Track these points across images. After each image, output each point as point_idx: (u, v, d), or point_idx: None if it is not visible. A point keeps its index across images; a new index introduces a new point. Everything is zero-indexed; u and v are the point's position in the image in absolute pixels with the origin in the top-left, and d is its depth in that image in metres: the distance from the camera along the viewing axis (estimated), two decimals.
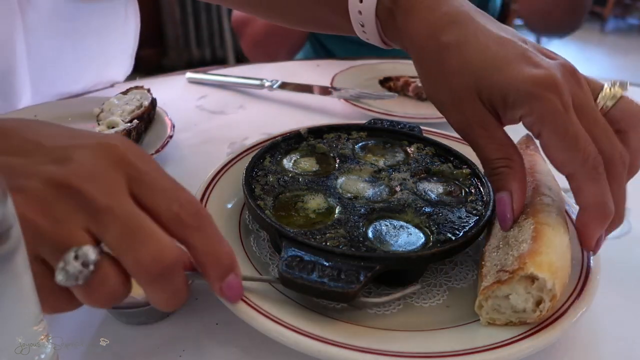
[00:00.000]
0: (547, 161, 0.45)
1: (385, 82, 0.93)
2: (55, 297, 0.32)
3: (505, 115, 0.44)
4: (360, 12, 0.50)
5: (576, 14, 1.06)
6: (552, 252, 0.40)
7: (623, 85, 0.44)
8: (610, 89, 0.44)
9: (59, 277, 0.31)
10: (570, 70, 0.44)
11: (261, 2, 0.61)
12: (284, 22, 0.62)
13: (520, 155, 0.45)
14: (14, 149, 0.33)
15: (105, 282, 0.31)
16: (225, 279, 0.36)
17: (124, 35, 0.88)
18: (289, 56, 1.28)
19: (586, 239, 0.43)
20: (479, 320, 0.41)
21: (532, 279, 0.38)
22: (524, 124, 0.44)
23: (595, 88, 0.45)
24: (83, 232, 0.31)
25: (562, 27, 1.06)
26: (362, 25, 0.52)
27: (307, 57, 1.34)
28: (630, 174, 0.44)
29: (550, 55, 0.45)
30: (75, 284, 0.31)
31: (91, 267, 0.31)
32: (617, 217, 0.43)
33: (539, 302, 0.38)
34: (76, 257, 0.30)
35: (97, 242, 0.31)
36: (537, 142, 0.44)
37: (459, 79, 0.45)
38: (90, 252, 0.31)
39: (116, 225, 0.31)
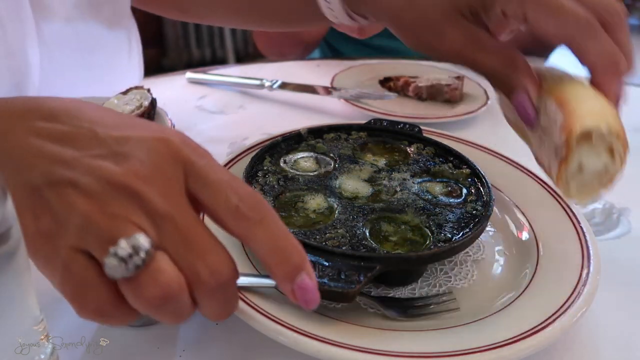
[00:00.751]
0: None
1: (385, 82, 0.93)
2: (100, 295, 0.30)
3: (489, 17, 0.44)
4: None
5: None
6: (582, 103, 0.39)
7: None
8: None
9: (108, 264, 0.28)
10: None
11: (234, 8, 0.62)
12: (259, 24, 0.63)
13: (522, 55, 0.45)
14: (66, 135, 0.32)
15: (158, 276, 0.29)
16: (296, 280, 0.32)
17: (129, 70, 0.87)
18: (303, 56, 1.28)
19: (608, 96, 0.42)
20: (479, 320, 0.41)
21: (586, 136, 0.37)
22: (508, 16, 0.43)
23: None
24: (138, 228, 0.29)
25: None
26: (328, 2, 0.52)
27: (313, 58, 1.34)
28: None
29: None
30: (124, 274, 0.29)
31: (142, 255, 0.28)
32: (629, 65, 0.42)
33: (611, 150, 0.38)
34: (127, 243, 0.28)
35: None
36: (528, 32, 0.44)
37: (435, 7, 0.45)
38: (142, 239, 0.29)
39: (175, 234, 0.30)
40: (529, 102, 0.43)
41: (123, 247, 0.28)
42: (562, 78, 0.44)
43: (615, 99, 0.42)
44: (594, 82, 0.42)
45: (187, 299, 0.31)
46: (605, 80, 0.41)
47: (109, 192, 0.30)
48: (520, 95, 0.43)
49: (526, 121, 0.44)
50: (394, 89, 0.91)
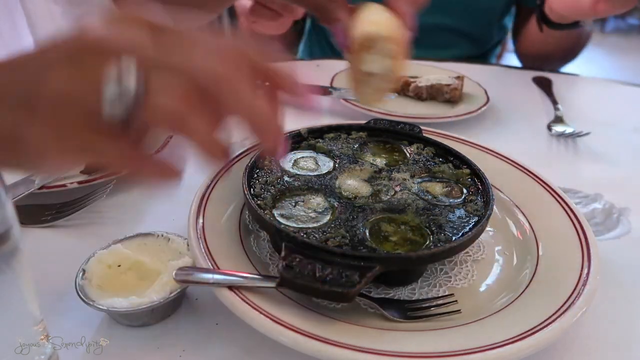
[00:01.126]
0: None
1: None
2: (117, 146, 0.32)
3: None
4: None
5: (568, 59, 1.22)
6: (366, 18, 0.49)
7: None
8: None
9: (107, 105, 0.30)
10: None
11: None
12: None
13: None
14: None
15: (159, 95, 0.31)
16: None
17: None
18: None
19: (399, 15, 0.51)
20: (479, 320, 0.41)
21: (367, 43, 0.46)
22: None
23: None
24: (130, 42, 0.31)
25: (554, 66, 1.17)
26: None
27: (314, 58, 1.34)
28: None
29: None
30: (128, 102, 0.30)
31: (132, 78, 0.30)
32: None
33: (392, 54, 0.46)
34: (114, 76, 0.30)
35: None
36: None
37: None
38: (125, 64, 0.30)
39: (172, 36, 0.33)
40: (343, 32, 0.52)
41: (111, 81, 0.29)
42: (372, 6, 0.52)
43: (405, 17, 0.51)
44: (390, 5, 0.51)
45: (199, 103, 0.33)
46: (397, 2, 0.51)
47: (118, 22, 0.32)
48: (337, 26, 0.52)
49: (342, 46, 0.52)
50: (394, 89, 0.91)
